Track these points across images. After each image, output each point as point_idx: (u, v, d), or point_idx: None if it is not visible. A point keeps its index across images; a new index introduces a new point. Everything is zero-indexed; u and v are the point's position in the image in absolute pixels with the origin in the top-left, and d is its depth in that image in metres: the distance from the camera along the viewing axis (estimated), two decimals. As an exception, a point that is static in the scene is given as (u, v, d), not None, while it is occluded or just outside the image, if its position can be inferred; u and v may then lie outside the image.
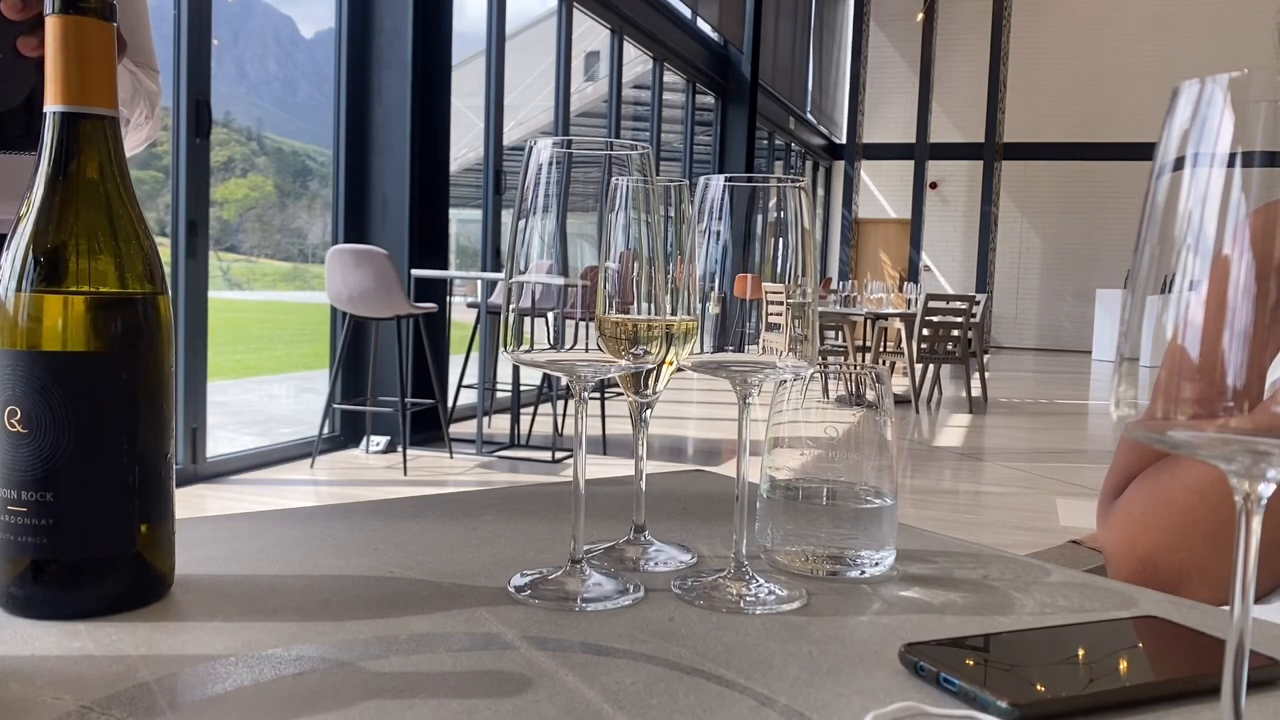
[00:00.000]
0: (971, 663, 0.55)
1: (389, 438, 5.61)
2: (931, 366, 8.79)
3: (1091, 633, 0.61)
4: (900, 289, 10.02)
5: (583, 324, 0.64)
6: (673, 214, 0.69)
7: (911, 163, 17.88)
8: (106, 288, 0.59)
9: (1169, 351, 0.34)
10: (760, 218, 0.66)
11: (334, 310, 5.48)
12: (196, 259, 4.63)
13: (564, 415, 5.94)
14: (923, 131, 17.79)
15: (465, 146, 8.10)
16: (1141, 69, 15.98)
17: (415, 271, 5.59)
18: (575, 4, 8.36)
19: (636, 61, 10.38)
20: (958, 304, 8.52)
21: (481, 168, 7.24)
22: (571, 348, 0.64)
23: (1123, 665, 0.57)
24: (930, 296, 8.55)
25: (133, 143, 1.45)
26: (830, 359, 8.40)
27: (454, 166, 6.50)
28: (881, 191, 18.61)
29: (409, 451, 5.24)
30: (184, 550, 0.67)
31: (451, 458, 5.48)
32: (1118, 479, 0.91)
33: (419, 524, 0.83)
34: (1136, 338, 0.36)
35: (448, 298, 5.85)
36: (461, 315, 6.21)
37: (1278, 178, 0.33)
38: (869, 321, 8.42)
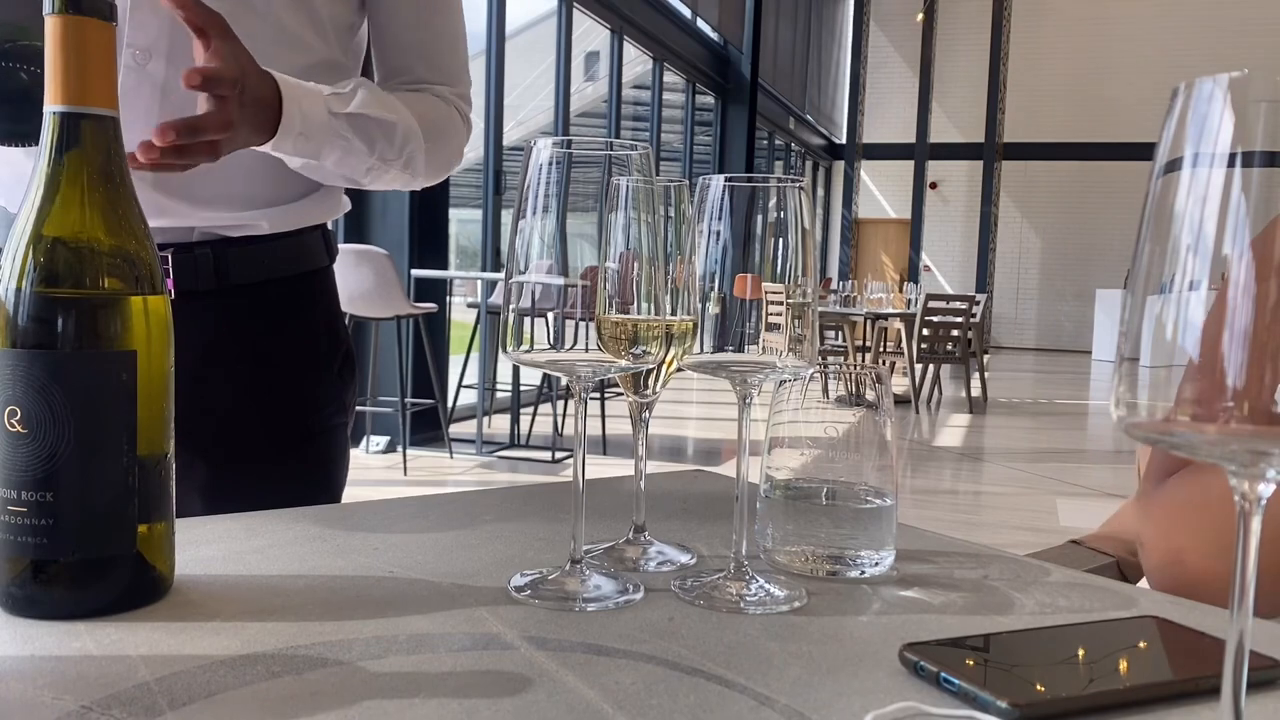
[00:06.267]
0: (971, 663, 0.55)
1: (389, 438, 5.61)
2: (931, 366, 8.79)
3: (1091, 633, 0.61)
4: (900, 289, 10.02)
5: (583, 324, 0.64)
6: (673, 214, 0.69)
7: (911, 163, 17.88)
8: (106, 288, 0.59)
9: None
10: (760, 218, 0.66)
11: (334, 310, 5.47)
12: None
13: (564, 415, 5.93)
14: (923, 131, 17.79)
15: (465, 146, 8.09)
16: (1141, 69, 15.97)
17: (415, 271, 5.59)
18: (575, 4, 8.36)
19: (636, 61, 10.38)
20: (958, 304, 8.52)
21: (481, 168, 7.23)
22: (571, 348, 0.64)
23: (1123, 665, 0.57)
24: (930, 296, 8.55)
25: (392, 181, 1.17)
26: (830, 359, 8.40)
27: (454, 166, 6.49)
28: (881, 191, 18.61)
29: (409, 451, 5.24)
30: (184, 550, 0.67)
31: (451, 458, 5.48)
32: (1163, 461, 0.88)
33: (419, 524, 0.83)
34: (1136, 338, 0.36)
35: (448, 298, 5.85)
36: (461, 315, 6.21)
37: (1278, 178, 0.33)
38: (869, 321, 8.42)
